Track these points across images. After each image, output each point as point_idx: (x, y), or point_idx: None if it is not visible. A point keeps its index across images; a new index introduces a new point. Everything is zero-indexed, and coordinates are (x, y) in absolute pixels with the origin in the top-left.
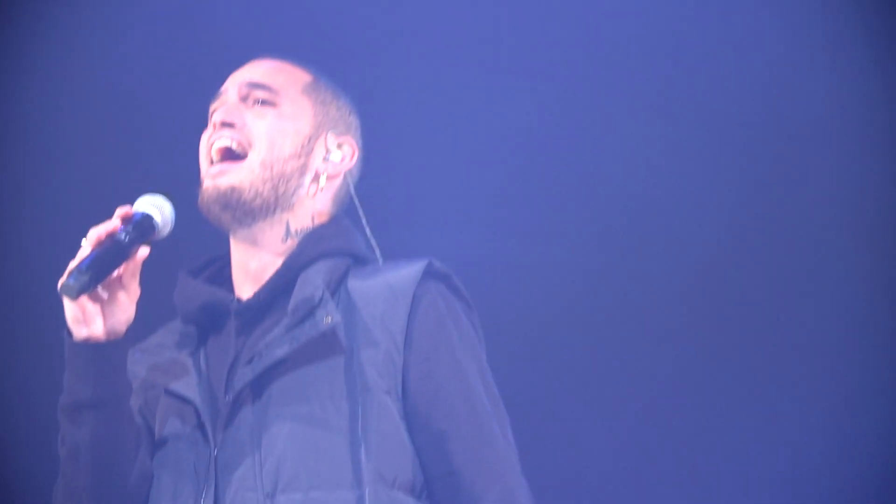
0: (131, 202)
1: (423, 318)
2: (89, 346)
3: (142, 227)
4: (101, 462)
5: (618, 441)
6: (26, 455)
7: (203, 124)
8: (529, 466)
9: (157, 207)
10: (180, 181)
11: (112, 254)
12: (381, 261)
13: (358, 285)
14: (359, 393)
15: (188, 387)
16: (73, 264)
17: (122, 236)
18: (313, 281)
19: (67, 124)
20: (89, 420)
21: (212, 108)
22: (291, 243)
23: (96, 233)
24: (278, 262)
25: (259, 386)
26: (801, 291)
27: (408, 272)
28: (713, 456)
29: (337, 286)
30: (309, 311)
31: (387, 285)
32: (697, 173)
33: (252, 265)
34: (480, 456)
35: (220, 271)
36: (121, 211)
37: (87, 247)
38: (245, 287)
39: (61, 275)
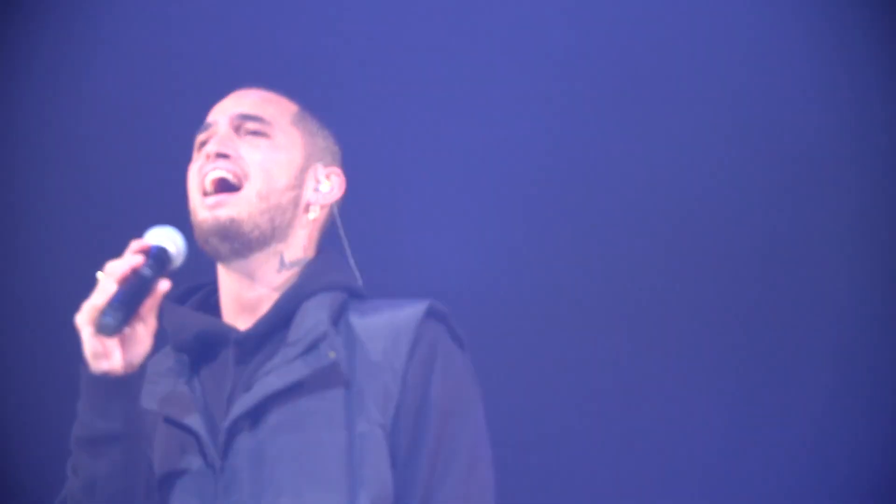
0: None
1: (422, 357)
2: (108, 379)
3: (160, 259)
4: (118, 494)
5: (615, 446)
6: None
7: (183, 142)
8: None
9: (171, 240)
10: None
11: (138, 289)
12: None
13: (360, 321)
14: (356, 426)
15: (189, 416)
16: (98, 300)
17: (146, 271)
18: (316, 314)
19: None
20: (107, 453)
21: (199, 139)
22: (286, 274)
23: (119, 268)
24: (274, 294)
25: (257, 415)
26: (800, 292)
27: (411, 312)
28: (712, 457)
29: (337, 320)
30: (312, 343)
31: (390, 323)
32: (694, 176)
33: (247, 295)
34: (451, 495)
35: (207, 299)
36: (137, 245)
37: (108, 281)
38: (238, 317)
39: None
